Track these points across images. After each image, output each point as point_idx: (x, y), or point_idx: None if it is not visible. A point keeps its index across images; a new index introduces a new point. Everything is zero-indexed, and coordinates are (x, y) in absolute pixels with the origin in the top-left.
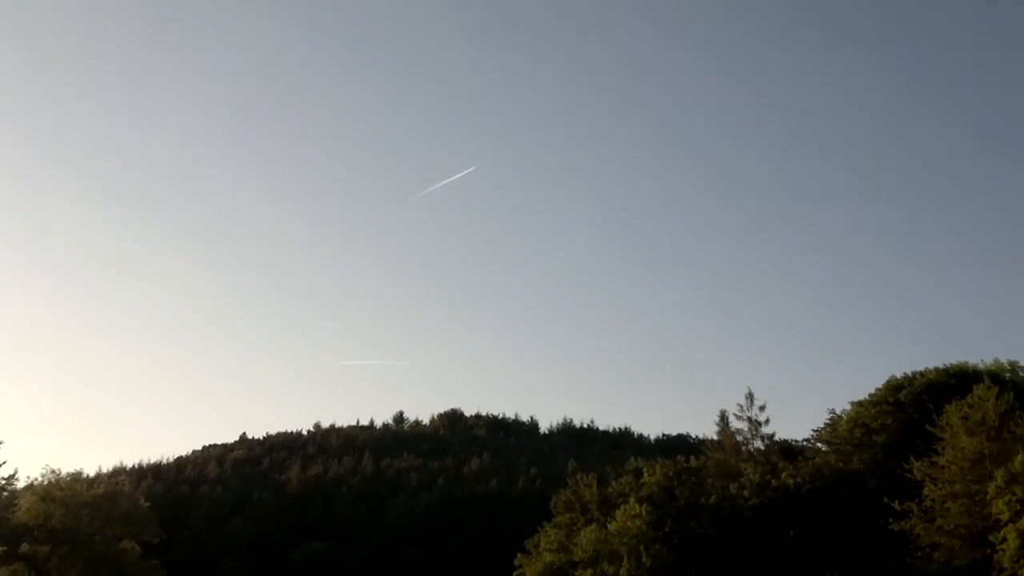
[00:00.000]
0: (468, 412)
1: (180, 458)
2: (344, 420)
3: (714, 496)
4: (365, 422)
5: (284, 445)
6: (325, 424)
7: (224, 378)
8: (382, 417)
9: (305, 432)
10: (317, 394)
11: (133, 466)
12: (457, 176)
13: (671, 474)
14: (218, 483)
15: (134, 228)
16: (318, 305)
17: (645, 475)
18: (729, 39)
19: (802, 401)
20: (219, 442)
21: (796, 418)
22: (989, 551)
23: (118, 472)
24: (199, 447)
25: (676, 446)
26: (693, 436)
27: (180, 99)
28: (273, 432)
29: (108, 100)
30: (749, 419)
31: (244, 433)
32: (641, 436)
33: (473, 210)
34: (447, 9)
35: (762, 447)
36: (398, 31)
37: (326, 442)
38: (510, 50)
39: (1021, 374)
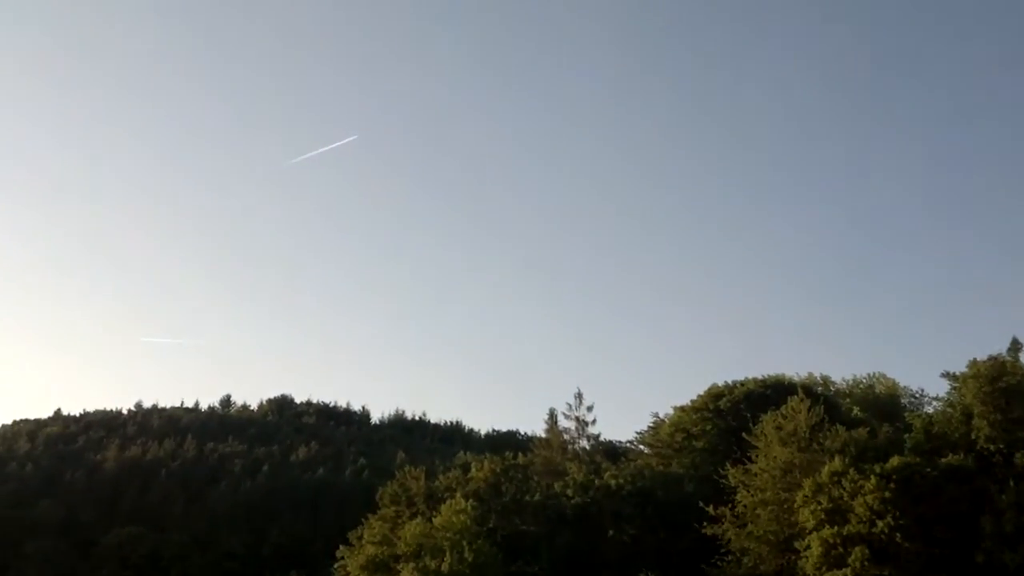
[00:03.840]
0: (299, 399)
1: None
2: (168, 401)
3: (539, 493)
4: (190, 404)
5: (102, 424)
6: (147, 404)
7: (40, 351)
8: (208, 400)
9: (125, 411)
10: (141, 374)
11: None
12: (327, 148)
13: (498, 470)
14: (28, 460)
15: None
16: (148, 279)
17: (473, 470)
18: None
19: (628, 403)
20: (32, 417)
21: (622, 420)
22: (794, 557)
23: None
24: (9, 421)
25: (505, 442)
26: (522, 433)
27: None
28: (91, 409)
29: None
30: (577, 419)
31: (59, 409)
32: (471, 431)
33: (331, 187)
34: None
35: (587, 447)
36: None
37: (147, 423)
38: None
39: (832, 388)
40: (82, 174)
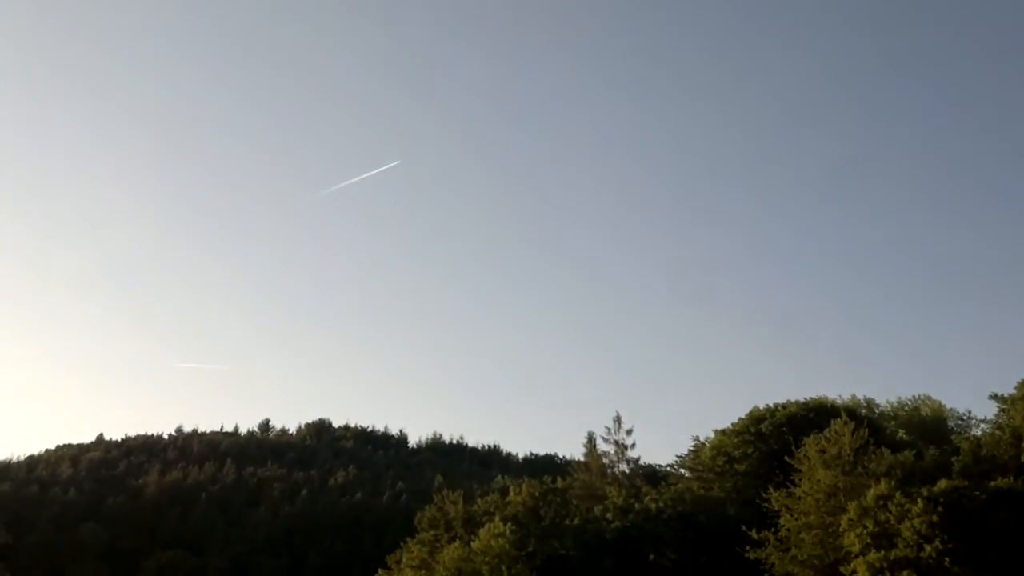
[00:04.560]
0: (337, 423)
1: (31, 457)
2: (208, 425)
3: (578, 517)
4: (230, 428)
5: (143, 448)
6: (188, 428)
7: (84, 376)
8: (248, 424)
9: (166, 436)
10: (181, 398)
11: None
12: (366, 175)
13: (537, 494)
14: (71, 485)
15: None
16: (188, 305)
17: (511, 494)
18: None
19: (669, 426)
20: (75, 442)
21: (662, 443)
22: None
23: None
24: (52, 446)
25: (544, 465)
26: (561, 456)
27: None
28: (132, 434)
29: None
30: (616, 442)
31: (101, 434)
32: (509, 454)
33: (366, 214)
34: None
35: (627, 470)
36: (314, 22)
37: (187, 447)
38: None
39: (876, 411)
40: (118, 200)
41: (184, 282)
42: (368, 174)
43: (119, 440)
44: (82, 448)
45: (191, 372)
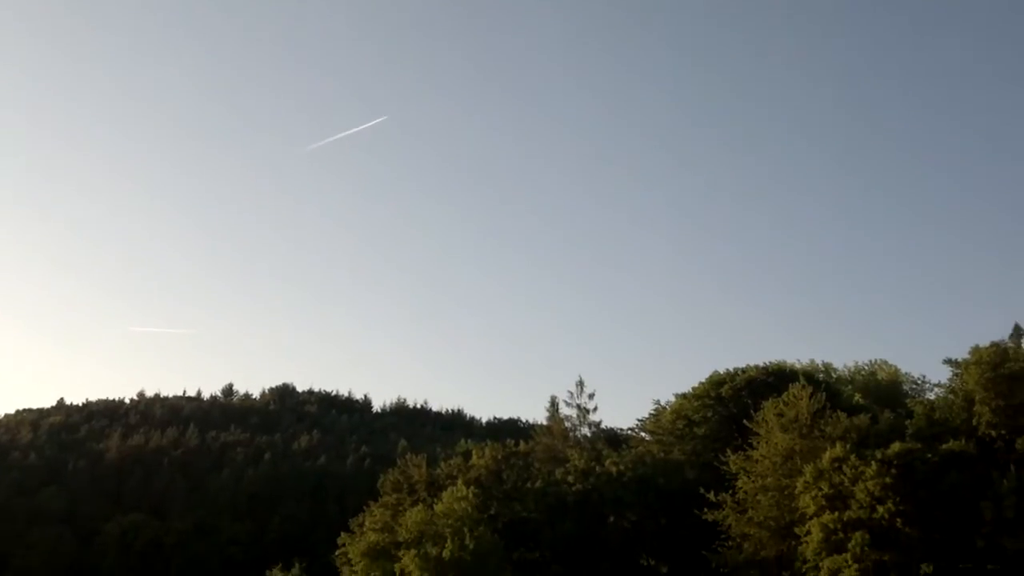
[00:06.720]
0: (300, 388)
1: None
2: (171, 390)
3: (540, 480)
4: (192, 393)
5: (104, 413)
6: (149, 393)
7: (43, 341)
8: (211, 389)
9: (128, 400)
10: (143, 362)
11: None
12: (329, 139)
13: (499, 457)
14: (31, 449)
15: None
16: (150, 269)
17: (474, 458)
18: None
19: (630, 390)
20: (35, 406)
21: (623, 407)
22: (795, 543)
23: None
24: (12, 411)
25: (507, 430)
26: (523, 420)
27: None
28: (94, 399)
29: None
30: (578, 406)
31: (62, 398)
32: (473, 419)
33: (331, 179)
34: None
35: (589, 434)
36: None
37: (149, 412)
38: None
39: (834, 375)
40: (77, 158)
41: (149, 243)
42: (325, 141)
43: (80, 404)
44: (42, 412)
45: (154, 336)
